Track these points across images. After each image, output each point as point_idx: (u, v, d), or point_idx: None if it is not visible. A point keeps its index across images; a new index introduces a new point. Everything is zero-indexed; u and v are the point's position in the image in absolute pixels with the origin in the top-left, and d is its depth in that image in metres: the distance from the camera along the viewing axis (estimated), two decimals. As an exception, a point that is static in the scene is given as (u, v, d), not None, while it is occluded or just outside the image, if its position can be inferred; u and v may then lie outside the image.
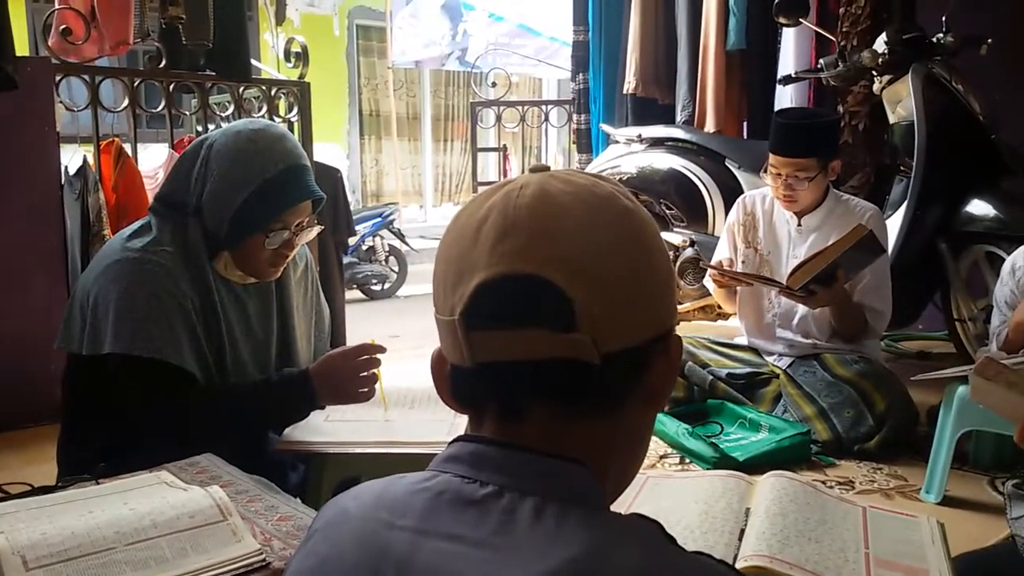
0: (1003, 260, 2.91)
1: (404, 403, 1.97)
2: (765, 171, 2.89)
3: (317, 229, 1.80)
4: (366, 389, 1.73)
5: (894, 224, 3.34)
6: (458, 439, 0.69)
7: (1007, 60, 3.47)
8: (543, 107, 5.66)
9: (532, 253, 0.64)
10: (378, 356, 1.73)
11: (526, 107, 5.60)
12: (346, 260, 6.72)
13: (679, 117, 4.59)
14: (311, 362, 1.86)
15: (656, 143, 4.15)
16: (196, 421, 1.65)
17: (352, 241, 6.82)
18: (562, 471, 0.66)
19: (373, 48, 11.12)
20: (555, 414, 0.67)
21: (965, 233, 3.24)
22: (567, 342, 0.64)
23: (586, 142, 5.18)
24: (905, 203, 3.34)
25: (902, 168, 3.50)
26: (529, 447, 0.66)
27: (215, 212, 1.69)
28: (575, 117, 5.28)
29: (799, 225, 2.95)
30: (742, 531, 1.27)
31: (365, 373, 1.72)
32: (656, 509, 1.36)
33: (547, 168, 0.72)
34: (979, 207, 3.19)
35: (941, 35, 3.34)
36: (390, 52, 10.53)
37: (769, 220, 3.03)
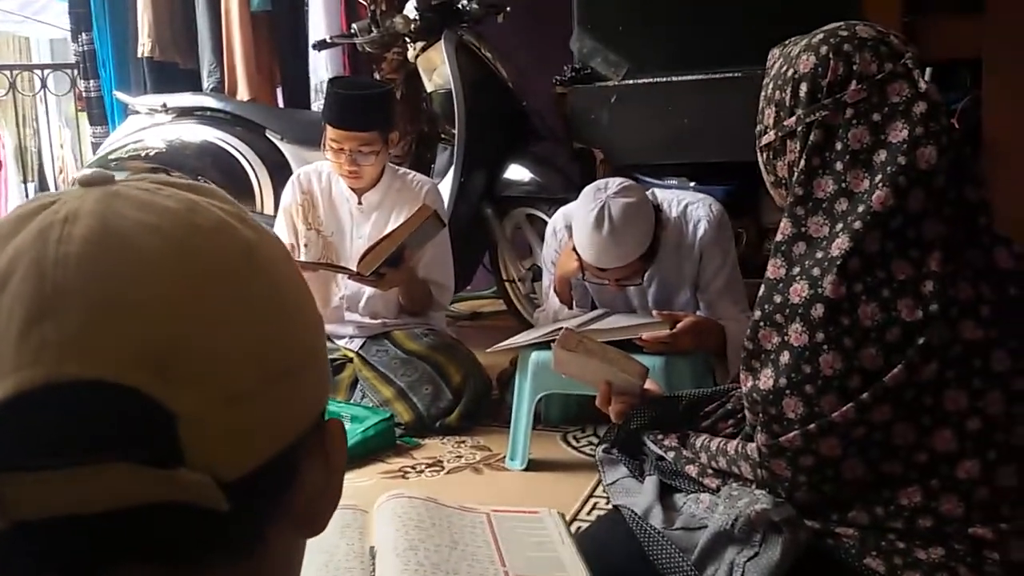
0: (543, 221, 3.10)
1: None
2: (326, 146, 2.71)
3: None
4: None
5: (442, 191, 3.38)
6: None
7: (526, 28, 3.68)
8: (39, 72, 4.85)
9: (96, 344, 0.39)
10: None
11: (16, 71, 4.75)
12: None
13: (206, 84, 4.20)
14: None
15: (184, 113, 3.73)
16: None
17: None
18: None
19: None
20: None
21: (507, 197, 3.39)
22: (169, 481, 0.39)
23: (99, 112, 4.52)
24: (451, 170, 3.39)
25: (444, 136, 3.54)
26: None
27: None
28: (81, 83, 4.59)
29: (360, 203, 2.82)
30: (372, 578, 1.11)
31: None
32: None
33: (109, 179, 0.44)
34: (516, 172, 3.34)
35: (466, 2, 3.41)
36: None
37: (328, 198, 2.86)
